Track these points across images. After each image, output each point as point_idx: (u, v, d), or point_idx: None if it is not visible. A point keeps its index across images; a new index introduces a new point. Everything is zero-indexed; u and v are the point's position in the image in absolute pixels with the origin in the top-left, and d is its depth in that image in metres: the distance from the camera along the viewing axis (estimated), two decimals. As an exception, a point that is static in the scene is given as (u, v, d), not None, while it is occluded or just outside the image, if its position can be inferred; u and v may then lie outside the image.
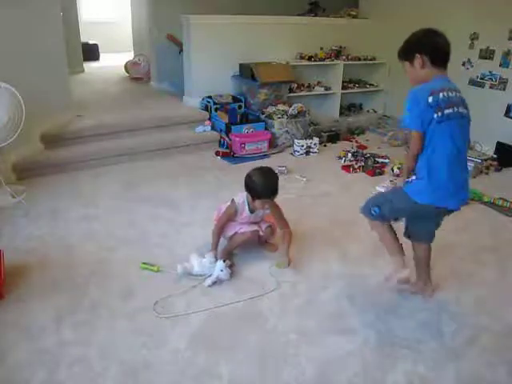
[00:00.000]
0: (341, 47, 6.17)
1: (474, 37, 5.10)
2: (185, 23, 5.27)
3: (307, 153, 4.95)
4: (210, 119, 5.17)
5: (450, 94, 2.14)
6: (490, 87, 5.05)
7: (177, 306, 2.44)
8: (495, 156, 4.87)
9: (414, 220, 2.50)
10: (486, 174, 4.56)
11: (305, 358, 2.12)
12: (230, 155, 4.76)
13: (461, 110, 2.16)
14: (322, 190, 4.03)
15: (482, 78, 5.11)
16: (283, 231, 2.92)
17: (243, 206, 2.86)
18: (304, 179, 4.23)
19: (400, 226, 2.57)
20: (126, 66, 7.47)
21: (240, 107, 5.31)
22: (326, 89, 6.06)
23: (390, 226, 2.50)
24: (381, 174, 4.45)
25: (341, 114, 6.27)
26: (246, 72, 5.34)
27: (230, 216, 2.87)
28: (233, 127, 4.92)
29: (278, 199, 3.12)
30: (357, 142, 5.46)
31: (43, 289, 2.54)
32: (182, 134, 4.93)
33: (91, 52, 9.03)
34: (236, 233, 2.89)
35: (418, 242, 2.56)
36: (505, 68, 4.89)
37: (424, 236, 2.52)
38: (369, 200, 2.53)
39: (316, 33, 6.02)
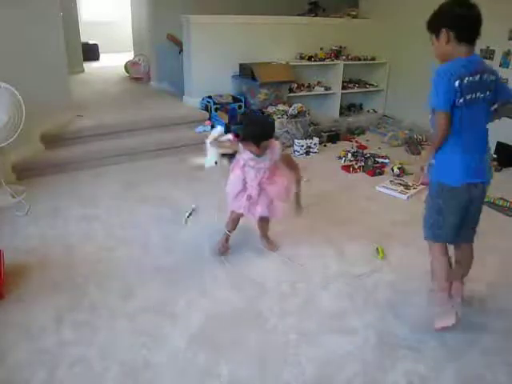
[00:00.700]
0: (341, 47, 6.17)
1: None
2: (185, 23, 5.27)
3: (307, 153, 4.95)
4: (210, 119, 5.17)
5: (475, 78, 2.04)
6: (490, 87, 5.04)
7: (177, 306, 2.44)
8: (495, 156, 4.87)
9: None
10: (486, 173, 4.54)
11: (305, 357, 2.12)
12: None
13: (481, 94, 2.08)
14: (322, 189, 4.03)
15: (481, 78, 5.10)
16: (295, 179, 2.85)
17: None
18: (304, 179, 4.22)
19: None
20: (126, 66, 7.47)
21: (240, 107, 5.31)
22: (326, 89, 6.06)
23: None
24: (381, 174, 4.45)
25: (341, 114, 6.27)
26: (246, 72, 5.34)
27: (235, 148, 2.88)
28: (233, 127, 4.92)
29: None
30: (357, 142, 5.46)
31: (43, 289, 2.54)
32: (182, 134, 4.93)
33: (91, 52, 9.03)
34: (233, 211, 2.92)
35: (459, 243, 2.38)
36: (505, 68, 4.89)
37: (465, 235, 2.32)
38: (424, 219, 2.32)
39: (316, 33, 6.02)
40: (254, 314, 2.42)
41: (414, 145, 5.21)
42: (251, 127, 2.73)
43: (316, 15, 6.50)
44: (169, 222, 3.36)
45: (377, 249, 3.01)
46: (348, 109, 6.55)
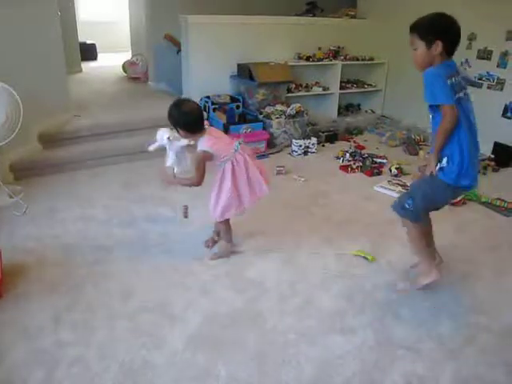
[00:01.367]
0: (339, 47, 6.18)
1: (472, 37, 5.11)
2: (183, 23, 5.26)
3: (305, 153, 4.96)
4: (208, 119, 5.16)
5: (456, 79, 2.21)
6: (488, 87, 5.07)
7: (176, 306, 2.44)
8: (493, 156, 4.89)
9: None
10: (484, 174, 4.56)
11: (304, 357, 2.12)
12: (228, 155, 4.75)
13: (463, 94, 2.24)
14: (320, 189, 4.04)
15: (479, 79, 5.12)
16: None
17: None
18: (302, 179, 4.23)
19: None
20: (123, 66, 7.46)
21: (238, 107, 5.31)
22: (324, 89, 6.06)
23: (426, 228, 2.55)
24: (379, 174, 4.46)
25: (339, 114, 6.27)
26: (244, 72, 5.34)
27: None
28: (231, 127, 4.92)
29: (277, 200, 3.11)
30: (355, 142, 5.47)
31: (41, 288, 2.54)
32: (180, 134, 4.92)
33: (89, 52, 9.02)
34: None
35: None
36: (502, 68, 4.91)
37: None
38: (401, 196, 2.56)
39: (314, 33, 6.03)
40: (253, 314, 2.42)
41: (411, 145, 5.21)
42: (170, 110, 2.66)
43: (314, 15, 6.50)
44: (167, 221, 3.36)
45: (364, 257, 2.99)
46: (346, 109, 6.56)
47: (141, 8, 6.66)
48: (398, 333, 2.31)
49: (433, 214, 2.63)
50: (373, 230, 3.36)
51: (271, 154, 4.94)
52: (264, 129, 5.07)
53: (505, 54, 4.85)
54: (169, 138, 2.80)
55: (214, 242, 3.09)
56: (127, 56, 7.80)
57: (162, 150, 2.91)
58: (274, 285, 2.66)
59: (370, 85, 6.51)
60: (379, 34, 6.28)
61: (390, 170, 4.46)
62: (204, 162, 2.69)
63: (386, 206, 3.69)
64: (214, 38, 5.33)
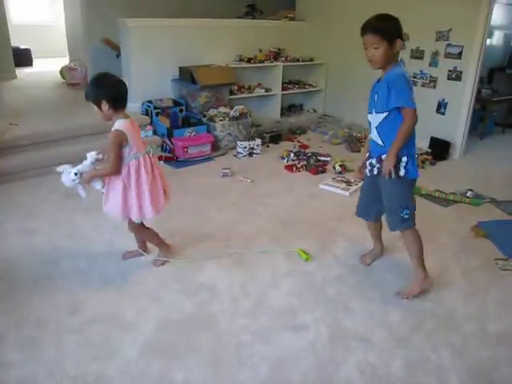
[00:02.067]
0: (279, 49, 6.27)
1: (405, 38, 5.29)
2: (122, 27, 5.18)
3: (250, 154, 5.00)
4: (151, 124, 5.11)
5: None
6: (422, 85, 5.30)
7: (126, 315, 2.41)
8: (429, 150, 5.12)
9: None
10: (422, 167, 4.77)
11: (259, 357, 2.15)
12: (173, 159, 4.73)
13: None
14: (267, 190, 4.08)
15: (414, 77, 5.34)
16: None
17: None
18: (248, 180, 4.27)
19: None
20: (61, 72, 7.23)
21: (181, 111, 5.28)
22: (267, 90, 6.13)
23: None
24: (323, 172, 4.56)
25: (282, 114, 6.37)
26: (186, 75, 5.31)
27: None
28: (175, 131, 4.89)
29: (224, 202, 3.11)
30: (299, 141, 5.56)
31: (-17, 307, 2.43)
32: (124, 140, 4.83)
33: (23, 57, 8.65)
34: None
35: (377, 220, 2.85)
36: (434, 67, 5.15)
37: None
38: (389, 215, 2.61)
39: (254, 35, 6.09)
40: (206, 317, 2.42)
41: (353, 142, 5.37)
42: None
43: (254, 18, 6.56)
44: (112, 230, 3.29)
45: (298, 254, 3.04)
46: (289, 109, 6.66)
47: (77, 11, 6.49)
48: (350, 325, 2.38)
49: (376, 209, 2.75)
50: (319, 226, 3.44)
51: (216, 156, 4.95)
52: (208, 132, 5.08)
53: (435, 54, 5.10)
54: (76, 173, 2.55)
55: (140, 253, 2.96)
56: (65, 61, 7.56)
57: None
58: (225, 287, 2.67)
59: (311, 85, 6.64)
60: (318, 35, 6.43)
61: (334, 168, 4.57)
62: (118, 143, 2.47)
63: (331, 202, 3.81)
64: (155, 41, 5.28)
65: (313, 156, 4.84)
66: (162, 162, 4.69)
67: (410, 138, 2.41)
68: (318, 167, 4.59)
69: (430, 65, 5.18)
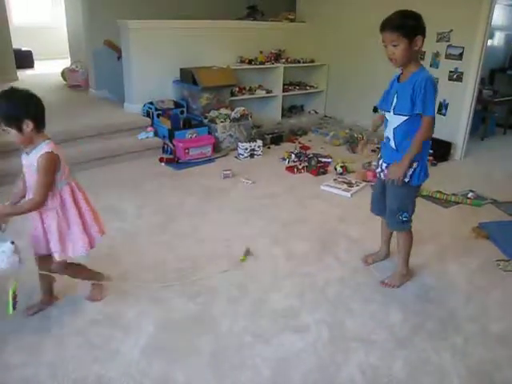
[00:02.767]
0: (280, 50, 6.28)
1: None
2: (123, 28, 5.18)
3: (251, 155, 5.00)
4: (152, 125, 5.12)
5: None
6: (423, 86, 5.28)
7: (127, 317, 2.40)
8: (431, 151, 5.11)
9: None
10: (423, 169, 4.76)
11: (260, 358, 2.15)
12: (174, 161, 4.73)
13: None
14: (268, 191, 4.08)
15: (414, 78, 5.34)
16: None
17: None
18: (249, 182, 4.27)
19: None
20: (63, 74, 7.24)
21: (182, 112, 5.28)
22: (268, 92, 6.14)
23: None
24: (324, 173, 4.56)
25: (283, 115, 6.37)
26: (187, 77, 5.32)
27: None
28: (176, 133, 4.89)
29: (225, 203, 3.11)
30: (300, 142, 5.56)
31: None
32: (125, 142, 4.85)
33: (25, 59, 8.67)
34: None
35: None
36: (435, 68, 5.14)
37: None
38: (389, 215, 2.62)
39: (255, 36, 6.10)
40: (207, 319, 2.42)
41: (354, 143, 5.36)
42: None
43: (255, 19, 6.57)
44: (115, 231, 3.29)
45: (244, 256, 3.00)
46: (290, 110, 6.67)
47: (78, 13, 6.49)
48: (351, 326, 2.38)
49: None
50: (320, 228, 3.44)
51: (217, 158, 4.95)
52: (209, 133, 5.08)
53: (436, 55, 5.10)
54: (12, 242, 2.12)
55: (39, 309, 2.41)
56: (66, 63, 7.57)
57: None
58: (226, 288, 2.67)
59: (312, 86, 6.65)
60: (319, 36, 6.43)
61: (336, 169, 4.57)
62: (53, 168, 2.14)
63: (332, 203, 3.81)
64: (156, 43, 5.28)
65: (314, 157, 4.84)
66: (162, 163, 4.70)
67: (427, 143, 2.42)
68: (319, 168, 4.59)
69: (430, 66, 5.17)
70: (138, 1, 6.13)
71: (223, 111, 5.28)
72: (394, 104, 2.40)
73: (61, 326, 2.32)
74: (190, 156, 4.75)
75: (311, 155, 4.91)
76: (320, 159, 4.83)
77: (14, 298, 2.13)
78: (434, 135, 5.34)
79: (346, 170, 4.56)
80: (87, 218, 2.29)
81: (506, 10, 6.38)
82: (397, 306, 2.55)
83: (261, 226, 3.45)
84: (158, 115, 5.12)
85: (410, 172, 2.41)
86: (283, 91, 6.25)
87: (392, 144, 2.47)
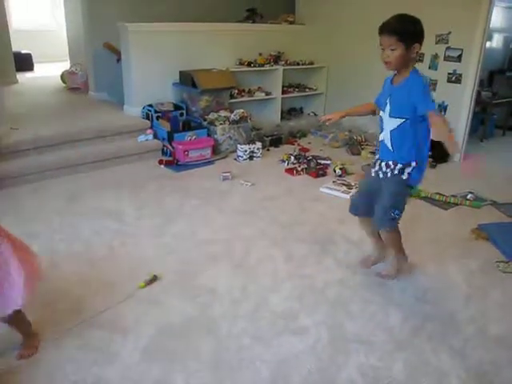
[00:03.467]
0: (279, 52, 6.28)
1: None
2: (122, 31, 5.19)
3: (251, 158, 5.00)
4: (151, 128, 5.12)
5: None
6: (422, 88, 5.30)
7: (126, 319, 2.40)
8: (430, 153, 5.09)
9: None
10: (422, 170, 4.77)
11: (259, 360, 2.15)
12: (173, 163, 4.73)
13: None
14: (267, 193, 4.09)
15: (413, 80, 5.35)
16: None
17: None
18: (249, 184, 4.27)
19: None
20: (62, 76, 7.25)
21: (182, 114, 5.29)
22: (267, 94, 6.14)
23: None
24: (324, 175, 4.56)
25: (282, 118, 6.37)
26: (187, 79, 5.32)
27: None
28: (175, 135, 4.90)
29: (224, 205, 3.10)
30: (299, 145, 5.57)
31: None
32: (124, 144, 4.85)
33: (25, 62, 8.67)
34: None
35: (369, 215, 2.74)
36: (434, 70, 5.16)
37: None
38: (380, 212, 2.59)
39: (255, 39, 6.10)
40: (206, 320, 2.42)
41: (354, 145, 5.37)
42: None
43: (254, 22, 6.58)
44: (114, 234, 3.30)
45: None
46: (289, 113, 6.67)
47: (78, 16, 6.50)
48: (351, 328, 2.38)
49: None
50: (320, 229, 3.44)
51: (217, 160, 4.95)
52: (209, 135, 5.09)
53: (435, 57, 5.11)
54: None
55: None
56: (66, 66, 7.58)
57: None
58: (225, 290, 2.67)
59: (311, 88, 6.65)
60: (318, 38, 6.43)
61: (335, 171, 4.57)
62: None
63: (332, 205, 3.81)
64: (155, 45, 5.29)
65: (313, 159, 4.84)
66: (162, 165, 4.70)
67: (424, 142, 2.46)
68: (318, 170, 4.59)
69: (429, 68, 5.18)
70: (137, 4, 6.14)
71: (222, 113, 5.29)
72: (388, 107, 2.43)
73: (59, 327, 2.32)
74: (190, 158, 4.75)
75: (310, 157, 4.91)
76: (319, 161, 4.83)
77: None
78: (431, 137, 5.35)
79: (345, 172, 4.56)
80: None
81: (505, 12, 6.39)
82: (396, 307, 2.55)
83: (260, 227, 3.45)
84: (158, 117, 5.12)
85: (409, 169, 2.47)
86: (282, 93, 6.25)
87: (388, 145, 2.50)
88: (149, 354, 2.17)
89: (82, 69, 6.90)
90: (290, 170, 4.65)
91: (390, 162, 2.52)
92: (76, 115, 5.30)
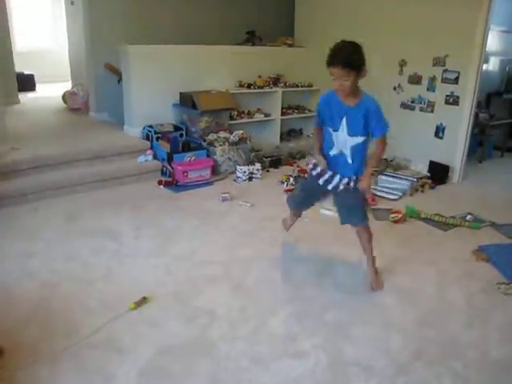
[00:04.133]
0: (278, 75, 6.34)
1: (403, 63, 5.40)
2: (123, 53, 5.25)
3: (250, 179, 5.01)
4: (151, 148, 5.14)
5: None
6: (420, 110, 5.35)
7: (124, 340, 2.38)
8: (429, 174, 5.13)
9: None
10: (422, 191, 4.79)
11: (258, 383, 2.11)
12: (172, 184, 4.74)
13: None
14: (267, 214, 4.08)
15: (412, 102, 5.40)
16: None
17: None
18: (248, 205, 4.27)
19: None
20: (63, 97, 7.30)
21: (181, 135, 5.31)
22: (266, 115, 6.18)
23: None
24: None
25: (282, 139, 6.39)
26: (187, 100, 5.37)
27: None
28: (175, 156, 4.91)
29: (223, 226, 3.09)
30: (298, 166, 5.56)
31: (-21, 332, 2.40)
32: (124, 165, 4.86)
33: (27, 82, 8.74)
34: None
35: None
36: (431, 92, 5.21)
37: None
38: (356, 212, 2.86)
39: (254, 61, 6.17)
40: (205, 342, 2.39)
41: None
42: None
43: (253, 44, 6.66)
44: (112, 254, 3.28)
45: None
46: (288, 134, 6.69)
47: (80, 37, 6.58)
48: (350, 352, 2.35)
49: (375, 233, 2.76)
50: (320, 251, 3.43)
51: (216, 181, 4.96)
52: (208, 156, 5.10)
53: (432, 79, 5.16)
54: None
55: None
56: (67, 86, 7.64)
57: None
58: (224, 311, 2.65)
59: (311, 110, 6.69)
60: (316, 61, 6.44)
61: (334, 192, 4.57)
62: None
63: (331, 226, 3.80)
64: (156, 67, 5.35)
65: (312, 180, 4.84)
66: (161, 186, 4.71)
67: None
68: (317, 191, 4.58)
69: (427, 89, 5.24)
70: (138, 26, 6.22)
71: (222, 134, 5.31)
72: (345, 126, 2.63)
73: (55, 348, 2.29)
74: (189, 179, 4.76)
75: (310, 178, 4.91)
76: (318, 182, 4.82)
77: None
78: (432, 158, 5.40)
79: (344, 192, 4.55)
80: None
81: (501, 35, 6.48)
82: (396, 330, 2.53)
83: (259, 248, 3.44)
84: (158, 138, 5.14)
85: (355, 178, 2.72)
86: (282, 115, 6.30)
87: (348, 159, 2.71)
88: (146, 376, 2.14)
89: (83, 89, 6.95)
90: (289, 191, 4.64)
91: (347, 179, 2.73)
92: (76, 135, 5.33)
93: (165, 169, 4.96)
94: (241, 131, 5.36)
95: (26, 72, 8.90)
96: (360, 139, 2.63)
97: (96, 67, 6.25)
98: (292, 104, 6.70)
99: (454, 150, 5.13)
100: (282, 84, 6.29)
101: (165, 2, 6.38)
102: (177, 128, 5.39)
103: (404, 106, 5.50)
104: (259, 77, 6.16)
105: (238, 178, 4.99)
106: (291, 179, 4.88)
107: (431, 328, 2.56)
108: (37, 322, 2.50)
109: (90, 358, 2.24)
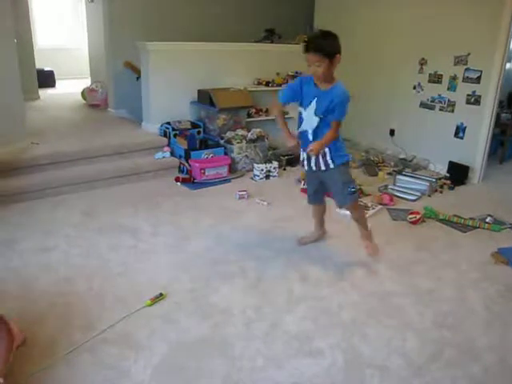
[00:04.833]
0: (297, 72, 6.30)
1: (423, 62, 5.34)
2: (142, 50, 5.28)
3: (267, 177, 5.00)
4: (169, 145, 5.16)
5: None
6: (440, 109, 5.28)
7: (140, 336, 2.39)
8: (448, 175, 5.06)
9: None
10: (441, 192, 4.72)
11: (273, 382, 2.11)
12: (189, 181, 4.75)
13: None
14: (283, 213, 4.07)
15: (432, 101, 5.34)
16: None
17: None
18: (265, 203, 4.26)
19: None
20: (83, 93, 7.38)
21: (199, 133, 5.32)
22: (284, 113, 6.15)
23: None
24: (340, 195, 4.53)
25: (299, 137, 6.36)
26: (205, 98, 5.37)
27: None
28: (192, 153, 4.92)
29: (240, 224, 3.09)
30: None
31: (-2, 324, 2.43)
32: (142, 161, 4.89)
33: (47, 79, 8.89)
34: None
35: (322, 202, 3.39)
36: (452, 91, 5.13)
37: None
38: (339, 194, 3.00)
39: (272, 59, 6.15)
40: (220, 340, 2.39)
41: (370, 166, 5.34)
42: None
43: (272, 42, 6.64)
44: (129, 250, 3.31)
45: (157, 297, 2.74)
46: (306, 132, 6.66)
47: (100, 35, 6.64)
48: (366, 352, 2.33)
49: (393, 234, 2.71)
50: (336, 251, 3.41)
51: (233, 178, 4.96)
52: (225, 154, 5.11)
53: (453, 78, 5.08)
54: None
55: None
56: (86, 83, 7.72)
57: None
58: (240, 310, 2.65)
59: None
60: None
61: (351, 191, 4.54)
62: None
63: (347, 226, 3.77)
64: (174, 64, 5.36)
65: (329, 179, 4.81)
66: (178, 183, 4.72)
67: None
68: (334, 190, 4.56)
69: (448, 89, 5.16)
70: (157, 23, 6.25)
71: (239, 132, 5.31)
72: (314, 106, 2.83)
73: (72, 343, 2.32)
74: (206, 176, 4.77)
75: (327, 177, 4.89)
76: (336, 181, 4.80)
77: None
78: (452, 159, 5.33)
79: (361, 192, 4.52)
80: None
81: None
82: (413, 331, 2.50)
83: (276, 247, 3.43)
84: (175, 135, 5.16)
85: (328, 157, 2.90)
86: (299, 113, 6.26)
87: (310, 137, 2.94)
88: (160, 373, 2.15)
89: (102, 86, 7.02)
90: (306, 190, 4.61)
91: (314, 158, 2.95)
92: (95, 131, 5.38)
93: (182, 166, 4.97)
94: (258, 129, 5.35)
95: (47, 68, 9.03)
96: (319, 118, 2.84)
97: (115, 64, 6.30)
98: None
99: (475, 151, 5.05)
100: (301, 82, 6.25)
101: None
102: (194, 125, 5.40)
103: (423, 105, 5.43)
104: (277, 74, 6.14)
105: (255, 175, 4.99)
106: (308, 178, 4.85)
107: (448, 330, 2.53)
108: (54, 316, 2.53)
109: (106, 353, 2.26)
